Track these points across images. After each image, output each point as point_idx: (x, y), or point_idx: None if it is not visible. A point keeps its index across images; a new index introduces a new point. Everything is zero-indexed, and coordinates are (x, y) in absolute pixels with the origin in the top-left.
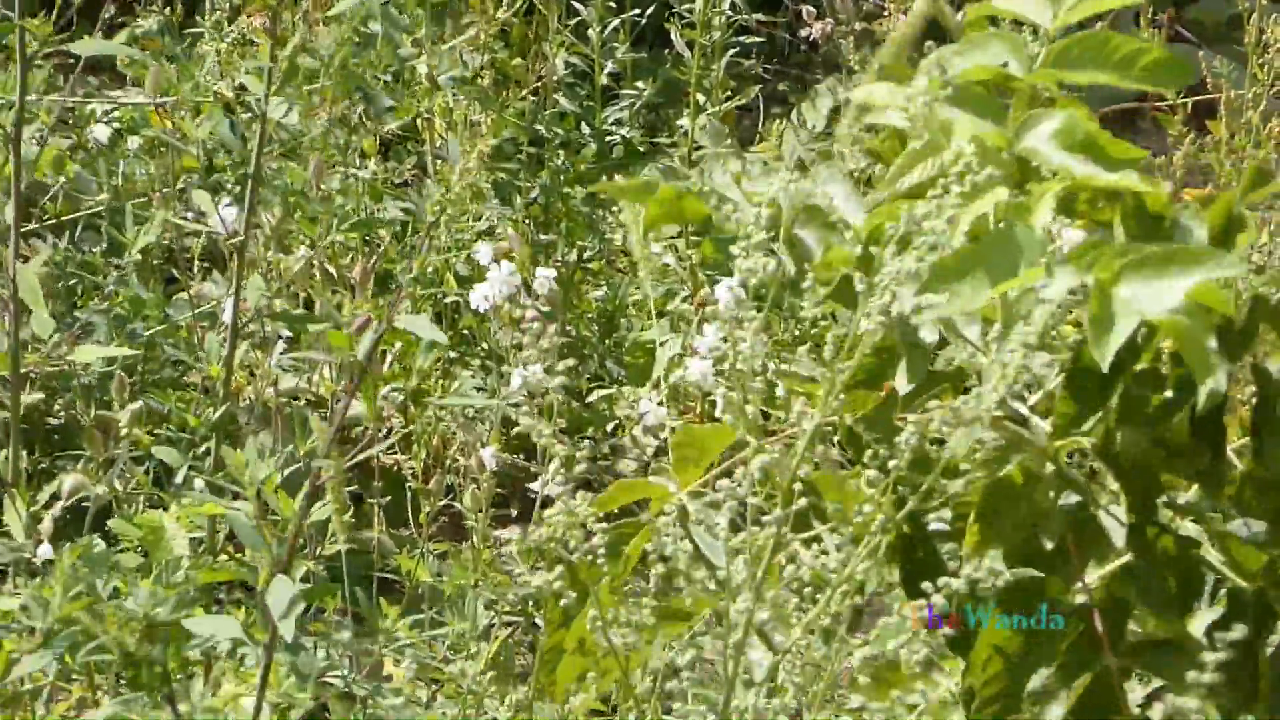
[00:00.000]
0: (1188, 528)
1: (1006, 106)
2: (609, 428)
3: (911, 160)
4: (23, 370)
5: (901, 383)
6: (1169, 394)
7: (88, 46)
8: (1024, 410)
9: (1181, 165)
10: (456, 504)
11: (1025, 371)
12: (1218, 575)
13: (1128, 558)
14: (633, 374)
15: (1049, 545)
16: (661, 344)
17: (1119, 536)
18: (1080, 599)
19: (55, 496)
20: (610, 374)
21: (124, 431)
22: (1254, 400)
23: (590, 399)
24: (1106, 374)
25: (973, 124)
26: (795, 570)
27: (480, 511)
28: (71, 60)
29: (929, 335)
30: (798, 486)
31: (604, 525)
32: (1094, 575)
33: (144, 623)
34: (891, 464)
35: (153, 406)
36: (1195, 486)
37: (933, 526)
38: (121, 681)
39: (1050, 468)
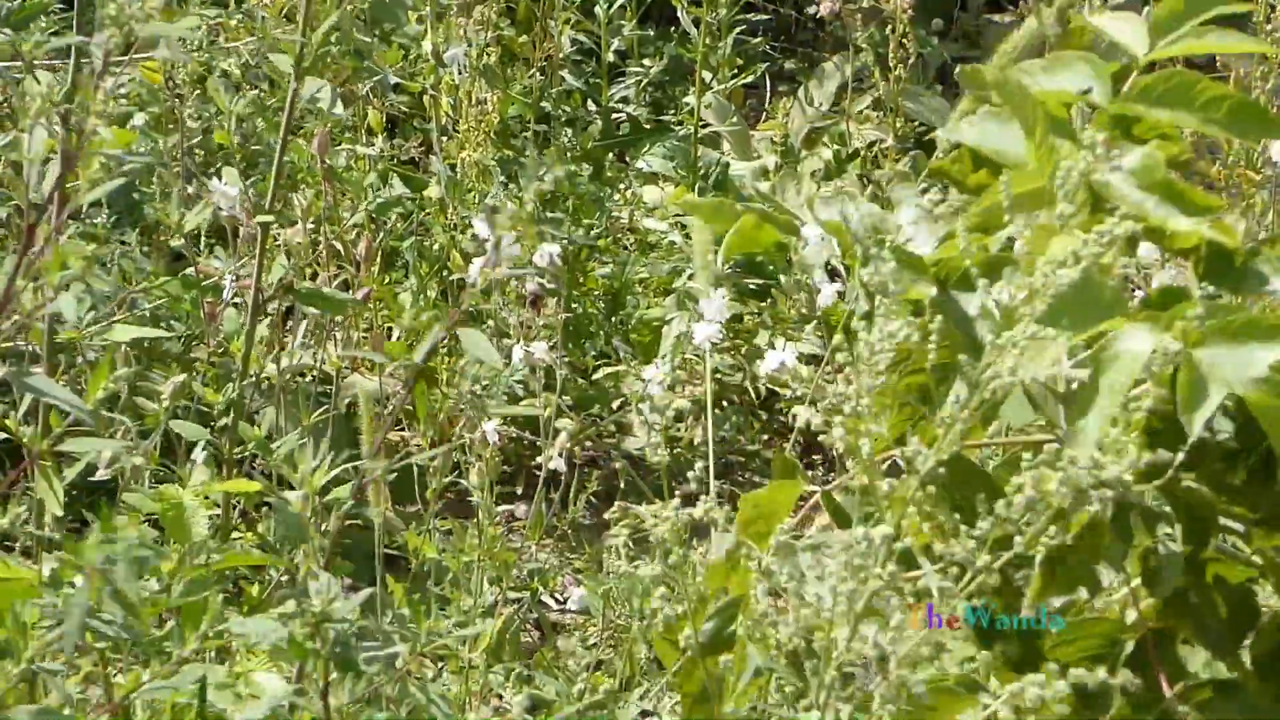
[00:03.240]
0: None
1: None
2: (615, 405)
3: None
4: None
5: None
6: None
7: None
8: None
9: (1190, 142)
10: (462, 480)
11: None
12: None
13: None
14: (639, 352)
15: (1106, 581)
16: (667, 322)
17: (1175, 567)
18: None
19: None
20: (616, 352)
21: (166, 404)
22: None
23: (596, 376)
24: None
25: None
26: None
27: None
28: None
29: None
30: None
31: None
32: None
33: (166, 606)
34: (983, 529)
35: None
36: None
37: None
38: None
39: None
